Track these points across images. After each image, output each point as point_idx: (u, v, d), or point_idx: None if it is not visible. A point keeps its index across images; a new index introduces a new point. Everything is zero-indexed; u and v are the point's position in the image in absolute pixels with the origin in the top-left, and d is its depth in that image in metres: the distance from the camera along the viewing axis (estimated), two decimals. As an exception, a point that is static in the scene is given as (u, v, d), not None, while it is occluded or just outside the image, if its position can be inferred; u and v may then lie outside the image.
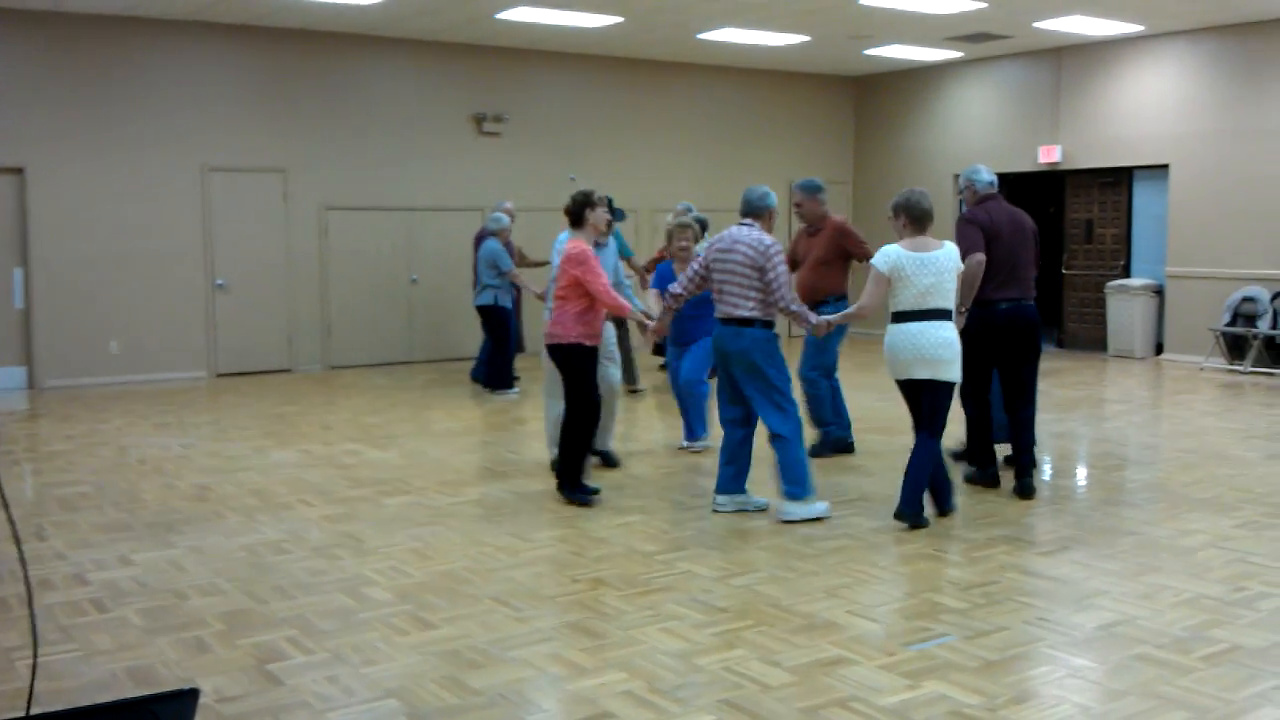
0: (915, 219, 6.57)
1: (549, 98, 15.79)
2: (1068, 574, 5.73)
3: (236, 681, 4.41)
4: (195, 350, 13.59)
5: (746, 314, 6.69)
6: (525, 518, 6.93)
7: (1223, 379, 13.13)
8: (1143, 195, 15.34)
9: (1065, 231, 16.31)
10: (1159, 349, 15.02)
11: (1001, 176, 16.69)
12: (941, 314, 6.47)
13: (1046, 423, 10.13)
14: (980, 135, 16.88)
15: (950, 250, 6.60)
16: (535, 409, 10.96)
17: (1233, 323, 13.81)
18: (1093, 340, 15.81)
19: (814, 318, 6.95)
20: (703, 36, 14.56)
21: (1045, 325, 17.01)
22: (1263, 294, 13.55)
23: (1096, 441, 9.41)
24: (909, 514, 6.57)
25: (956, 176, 16.68)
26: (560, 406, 7.45)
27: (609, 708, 4.13)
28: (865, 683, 4.34)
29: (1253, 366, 13.51)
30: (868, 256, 7.83)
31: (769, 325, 6.74)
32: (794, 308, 6.78)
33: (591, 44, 15.22)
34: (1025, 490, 7.27)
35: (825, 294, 8.67)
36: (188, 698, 2.38)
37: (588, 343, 7.16)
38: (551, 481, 7.62)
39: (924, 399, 6.56)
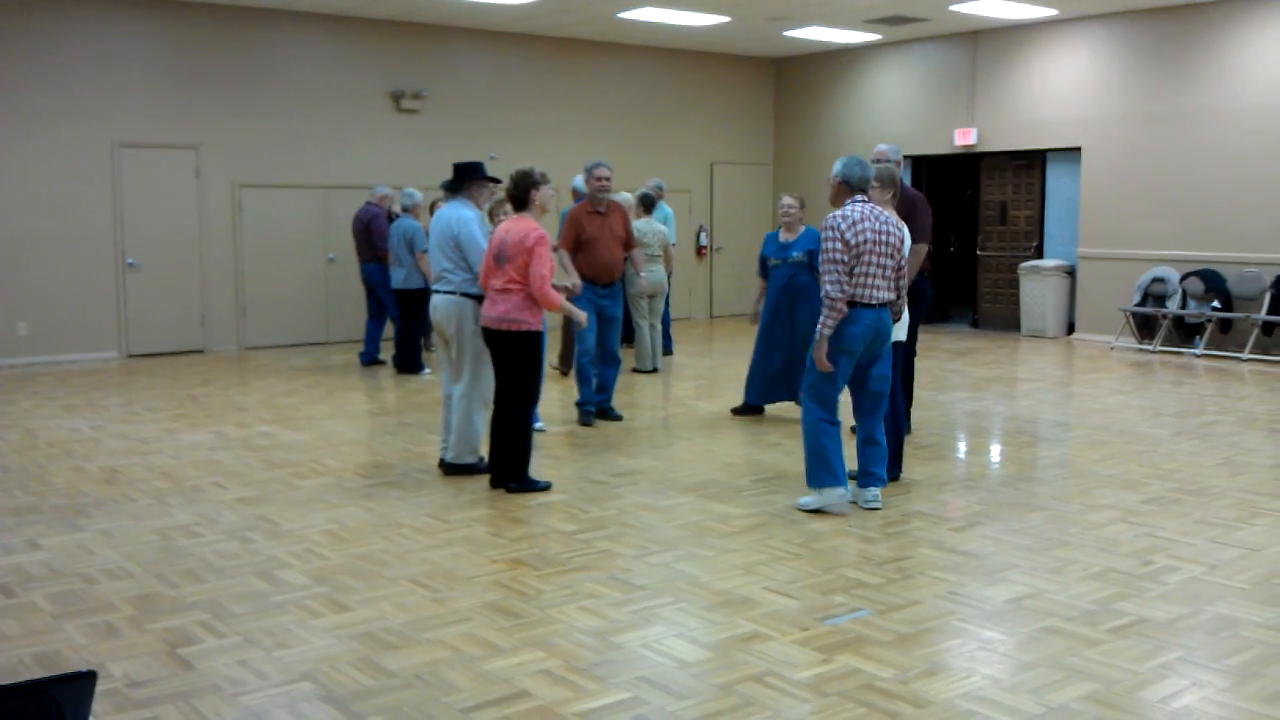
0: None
1: (469, 75, 15.66)
2: (979, 549, 5.82)
3: (147, 666, 4.34)
4: (106, 331, 13.32)
5: (891, 296, 6.44)
6: (443, 499, 6.89)
7: (1133, 358, 13.40)
8: (1055, 177, 15.59)
9: (980, 213, 16.54)
10: (1071, 329, 15.30)
11: (918, 158, 16.97)
12: None
13: (960, 401, 10.28)
14: (898, 117, 17.03)
15: (904, 228, 6.79)
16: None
17: (1143, 303, 14.10)
18: (1006, 320, 16.06)
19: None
20: (623, 16, 14.52)
21: (960, 305, 17.39)
22: (1172, 275, 13.84)
23: (1009, 419, 9.56)
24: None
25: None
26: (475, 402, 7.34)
27: (526, 687, 4.12)
28: (780, 658, 4.38)
29: (1162, 346, 13.81)
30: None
31: None
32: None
33: (511, 21, 15.11)
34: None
35: (621, 272, 9.25)
36: (86, 680, 2.32)
37: (540, 327, 6.94)
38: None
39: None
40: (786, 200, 9.18)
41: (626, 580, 5.33)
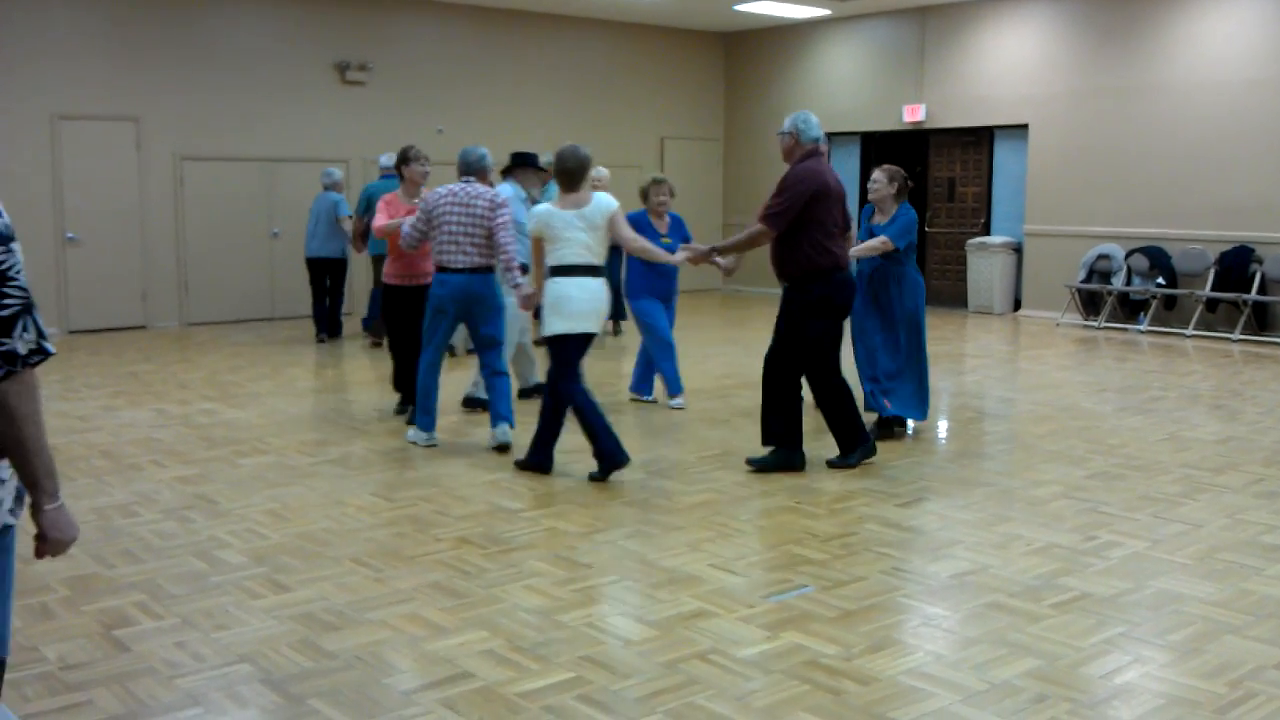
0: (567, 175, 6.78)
1: (415, 47, 15.47)
2: (924, 524, 5.83)
3: (82, 648, 4.26)
4: (45, 307, 13.03)
5: (487, 261, 7.32)
6: (389, 476, 6.82)
7: (1078, 334, 13.51)
8: (1003, 154, 15.66)
9: (928, 190, 16.58)
10: (1017, 305, 15.40)
11: (868, 135, 16.98)
12: (601, 270, 6.72)
13: (908, 377, 10.31)
14: (847, 93, 17.03)
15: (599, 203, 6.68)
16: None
17: (1088, 280, 14.21)
18: (954, 296, 16.14)
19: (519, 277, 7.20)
20: (572, -12, 14.40)
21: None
22: (1117, 251, 13.95)
23: (955, 395, 9.61)
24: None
25: (831, 136, 16.85)
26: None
27: (468, 667, 4.08)
28: (725, 635, 4.36)
29: (1106, 322, 13.93)
30: None
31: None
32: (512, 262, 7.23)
33: (458, -6, 14.96)
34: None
35: None
36: None
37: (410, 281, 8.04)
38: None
39: (579, 351, 6.70)
40: (875, 176, 7.90)
41: (571, 558, 5.30)
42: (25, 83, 12.72)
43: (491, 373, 7.55)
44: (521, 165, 8.73)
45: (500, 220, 7.18)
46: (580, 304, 6.53)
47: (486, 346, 7.52)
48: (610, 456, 6.60)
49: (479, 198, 7.25)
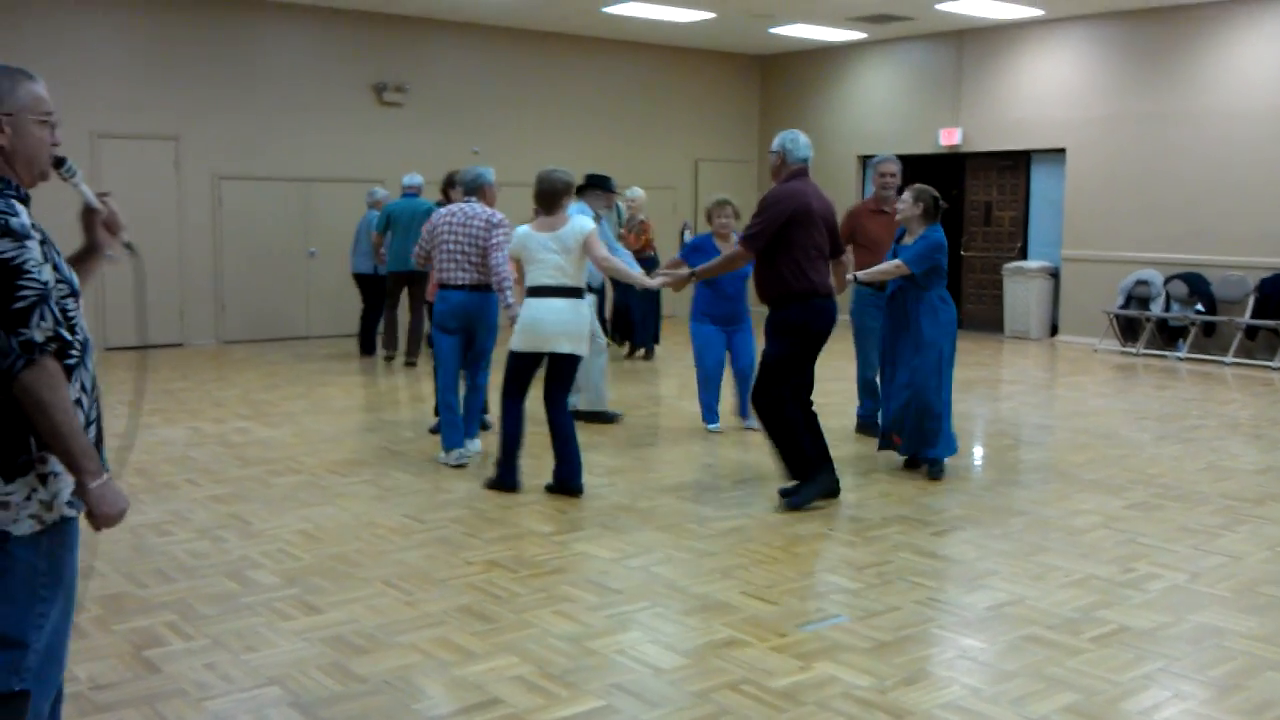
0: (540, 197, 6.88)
1: (452, 69, 15.55)
2: (960, 554, 5.76)
3: (112, 668, 4.26)
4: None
5: (485, 279, 7.42)
6: (420, 498, 6.80)
7: (1116, 360, 13.38)
8: (1040, 179, 15.56)
9: (964, 214, 16.49)
10: (1054, 330, 15.27)
11: (904, 158, 16.75)
12: (574, 291, 6.76)
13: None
14: (883, 117, 16.98)
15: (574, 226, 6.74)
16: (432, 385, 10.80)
17: (1126, 305, 14.08)
18: (990, 321, 16.02)
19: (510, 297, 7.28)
20: (608, 10, 14.42)
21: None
22: (1156, 277, 13.82)
23: (991, 421, 9.52)
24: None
25: (865, 159, 16.80)
26: None
27: (498, 693, 4.05)
28: (757, 665, 4.30)
29: (1145, 349, 13.79)
30: None
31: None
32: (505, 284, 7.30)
33: (495, 14, 15.01)
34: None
35: None
36: (18, 699, 2.27)
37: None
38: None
39: (550, 370, 6.81)
40: (903, 195, 7.65)
41: (602, 584, 5.26)
42: (65, 101, 12.81)
43: (471, 386, 7.76)
44: (592, 186, 9.08)
45: (495, 240, 7.30)
46: (546, 325, 6.62)
47: (475, 361, 7.70)
48: (502, 479, 6.90)
49: (476, 217, 7.40)
